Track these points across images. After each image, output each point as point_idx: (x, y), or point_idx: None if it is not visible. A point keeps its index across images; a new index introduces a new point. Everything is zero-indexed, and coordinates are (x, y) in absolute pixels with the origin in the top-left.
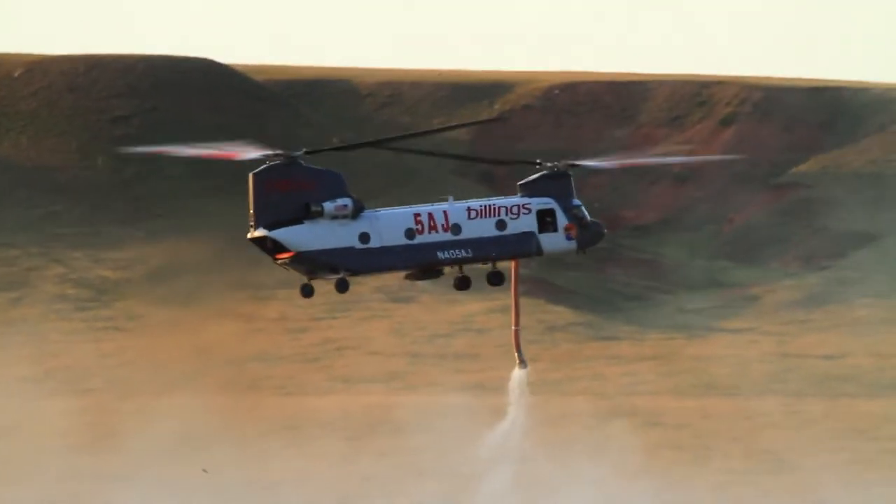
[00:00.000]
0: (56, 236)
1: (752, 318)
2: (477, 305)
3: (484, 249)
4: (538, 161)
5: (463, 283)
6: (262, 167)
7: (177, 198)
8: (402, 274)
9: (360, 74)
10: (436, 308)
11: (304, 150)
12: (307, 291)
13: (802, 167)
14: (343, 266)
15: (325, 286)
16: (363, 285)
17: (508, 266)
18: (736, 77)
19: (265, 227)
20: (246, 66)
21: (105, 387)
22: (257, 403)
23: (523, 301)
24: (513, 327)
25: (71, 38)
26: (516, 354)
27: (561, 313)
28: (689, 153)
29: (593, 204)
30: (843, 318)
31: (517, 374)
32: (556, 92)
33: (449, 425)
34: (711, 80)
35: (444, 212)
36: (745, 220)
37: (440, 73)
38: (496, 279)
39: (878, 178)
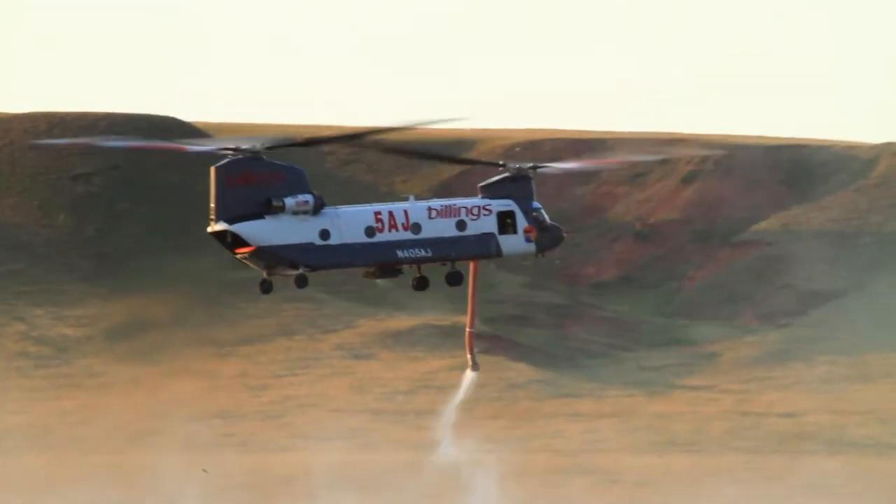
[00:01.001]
0: (17, 294)
1: (712, 375)
2: (438, 363)
3: (444, 249)
4: (501, 163)
5: (421, 284)
6: (224, 161)
7: (138, 255)
8: (362, 275)
9: (323, 132)
10: (396, 365)
11: (265, 144)
12: (266, 288)
13: (763, 225)
14: (303, 262)
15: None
16: (323, 342)
17: (468, 266)
18: (697, 135)
19: (226, 222)
20: (208, 125)
21: (66, 444)
22: (219, 460)
23: (483, 358)
24: (467, 329)
25: (33, 96)
26: (468, 356)
27: (521, 370)
28: (650, 211)
29: (553, 261)
30: (803, 375)
31: (469, 376)
32: (518, 150)
33: (410, 483)
34: (672, 137)
35: (405, 211)
36: (705, 277)
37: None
38: (455, 279)
39: (839, 236)
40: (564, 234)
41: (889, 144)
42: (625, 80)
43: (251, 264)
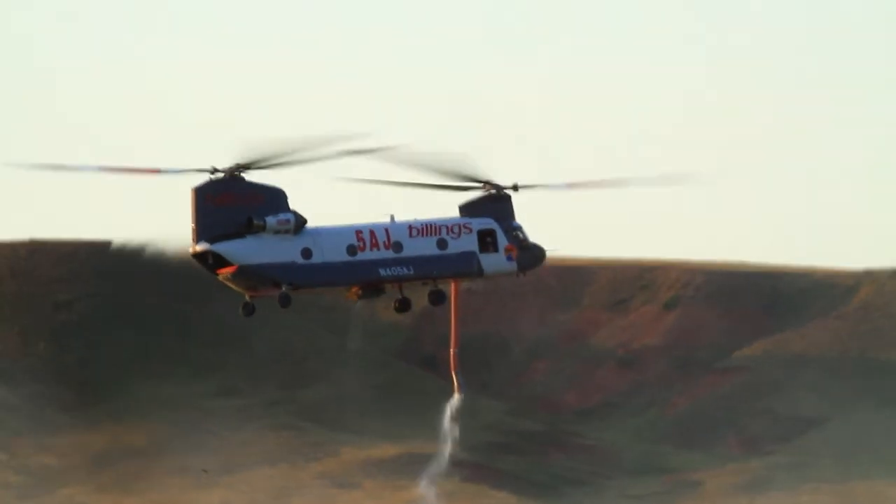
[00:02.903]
0: None
1: (695, 503)
2: (421, 491)
3: (425, 268)
4: (481, 182)
5: (403, 305)
6: (203, 181)
7: (119, 383)
8: (345, 296)
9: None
10: (380, 494)
11: (243, 164)
12: (248, 310)
13: (745, 351)
14: (285, 280)
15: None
16: (305, 471)
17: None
18: (678, 261)
19: (207, 242)
20: (186, 251)
21: None
22: None
23: (466, 486)
24: (451, 350)
25: (12, 224)
26: (454, 377)
27: (504, 499)
28: (633, 337)
29: (536, 388)
30: (786, 503)
31: (455, 399)
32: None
33: None
34: (654, 264)
35: (386, 229)
36: (688, 404)
37: None
38: (438, 298)
39: (821, 362)
40: (546, 253)
41: (869, 272)
42: (606, 207)
43: (233, 285)
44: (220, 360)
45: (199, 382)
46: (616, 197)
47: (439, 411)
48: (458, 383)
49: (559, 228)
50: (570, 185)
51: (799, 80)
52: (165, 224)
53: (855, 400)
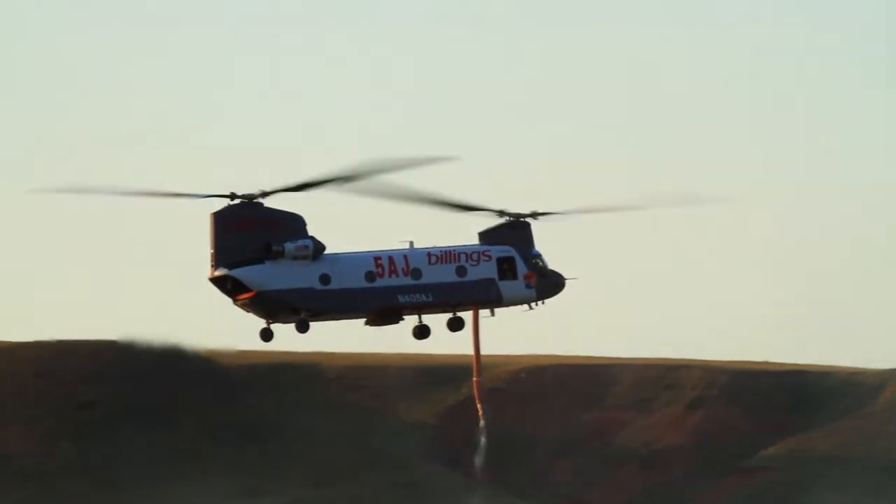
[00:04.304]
0: None
1: None
2: None
3: (444, 295)
4: (501, 210)
5: (422, 332)
6: (222, 207)
7: (141, 484)
8: (363, 320)
9: (327, 359)
10: None
11: (262, 190)
12: (266, 336)
13: (770, 451)
14: (303, 306)
15: None
16: None
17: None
18: (702, 361)
19: (225, 267)
20: (211, 352)
21: None
22: None
23: None
24: (474, 378)
25: (38, 324)
26: (479, 406)
27: None
28: (656, 437)
29: (560, 488)
30: None
31: (483, 427)
32: (523, 375)
33: None
34: (677, 363)
35: (405, 256)
36: (712, 503)
37: (406, 356)
38: (456, 325)
39: (846, 461)
40: (565, 281)
41: (895, 370)
42: (628, 306)
43: (252, 311)
44: (243, 460)
45: (221, 482)
46: (640, 296)
47: None
48: (483, 413)
49: (585, 327)
50: (585, 211)
51: (813, 175)
52: (184, 319)
53: (879, 499)
